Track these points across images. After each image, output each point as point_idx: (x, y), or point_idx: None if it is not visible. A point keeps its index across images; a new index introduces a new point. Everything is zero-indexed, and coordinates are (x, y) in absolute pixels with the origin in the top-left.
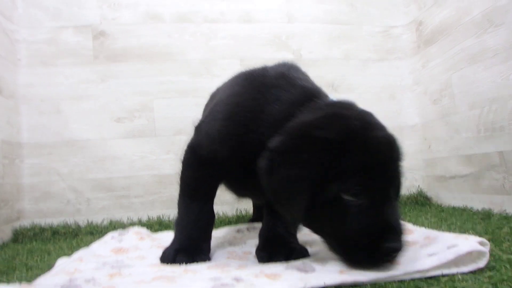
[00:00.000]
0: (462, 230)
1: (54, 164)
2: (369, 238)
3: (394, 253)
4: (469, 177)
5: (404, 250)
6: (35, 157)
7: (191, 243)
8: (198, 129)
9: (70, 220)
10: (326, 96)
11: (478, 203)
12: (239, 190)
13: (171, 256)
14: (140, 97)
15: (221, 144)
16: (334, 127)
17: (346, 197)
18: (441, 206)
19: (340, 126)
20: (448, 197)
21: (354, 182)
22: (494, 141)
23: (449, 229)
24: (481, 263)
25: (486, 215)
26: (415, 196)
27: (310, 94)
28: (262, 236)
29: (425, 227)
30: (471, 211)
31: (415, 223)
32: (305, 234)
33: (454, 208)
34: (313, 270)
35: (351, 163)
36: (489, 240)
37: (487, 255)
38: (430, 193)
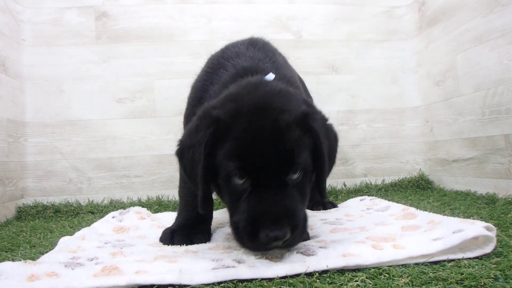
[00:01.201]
0: (466, 215)
1: (57, 143)
2: (250, 225)
3: (272, 241)
4: (472, 161)
5: (289, 238)
6: (38, 136)
7: (188, 223)
8: (183, 117)
9: (71, 199)
10: (263, 72)
11: (482, 187)
12: None
13: (168, 237)
14: (141, 78)
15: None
16: (226, 107)
17: (234, 179)
18: (443, 190)
19: (230, 107)
20: (451, 181)
21: (236, 164)
22: (500, 124)
23: (453, 214)
24: (488, 248)
25: (491, 200)
26: (417, 179)
27: (243, 73)
28: None
29: (428, 212)
30: (475, 195)
31: (418, 207)
32: None
33: (457, 192)
34: (314, 253)
35: (234, 145)
36: (495, 226)
37: (494, 241)
38: (432, 176)
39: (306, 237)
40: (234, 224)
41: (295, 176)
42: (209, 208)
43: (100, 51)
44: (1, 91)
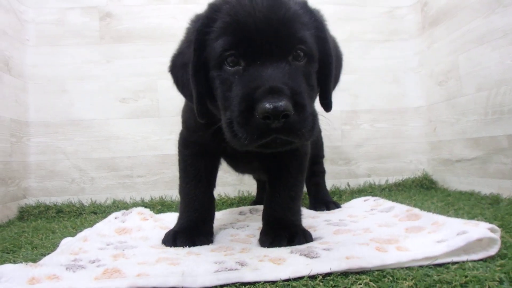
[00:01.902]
0: (470, 215)
1: (60, 143)
2: (242, 104)
3: (270, 117)
4: (476, 161)
5: (291, 114)
6: (41, 135)
7: (190, 225)
8: (182, 112)
9: (74, 199)
10: None
11: (485, 187)
12: (232, 163)
13: (171, 239)
14: (144, 78)
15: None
16: (208, 4)
17: (225, 66)
18: (447, 190)
19: (212, 3)
20: (454, 181)
21: (226, 41)
22: (502, 124)
23: (457, 214)
24: (492, 250)
25: (495, 200)
26: (420, 179)
27: None
28: (264, 220)
29: (432, 212)
30: (479, 195)
31: (421, 207)
32: (309, 217)
33: (461, 193)
34: (318, 255)
35: (222, 24)
36: (499, 227)
37: (499, 242)
38: (435, 176)
39: (309, 238)
40: (226, 119)
41: (299, 57)
42: (207, 121)
43: (103, 51)
44: (5, 91)
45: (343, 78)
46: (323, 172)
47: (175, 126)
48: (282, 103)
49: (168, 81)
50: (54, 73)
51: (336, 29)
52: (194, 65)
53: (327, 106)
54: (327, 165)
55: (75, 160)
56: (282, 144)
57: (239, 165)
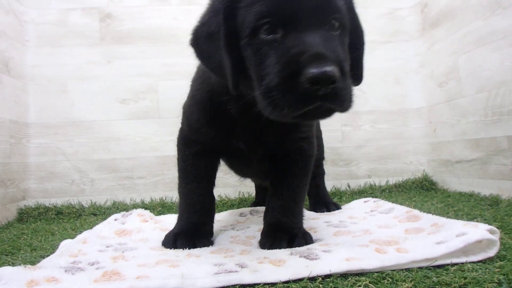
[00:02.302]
0: (470, 216)
1: (60, 144)
2: (286, 70)
3: (321, 79)
4: (476, 162)
5: (338, 78)
6: (41, 137)
7: (191, 227)
8: (183, 108)
9: (74, 200)
10: None
11: (485, 188)
12: (233, 164)
13: (171, 241)
14: (145, 79)
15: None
16: None
17: (261, 35)
18: (447, 191)
19: None
20: (454, 182)
21: (260, 14)
22: (502, 125)
23: (457, 215)
24: (491, 252)
25: (494, 202)
26: (420, 180)
27: None
28: (266, 221)
29: (432, 213)
30: (479, 196)
31: (421, 208)
32: (310, 219)
33: (460, 194)
34: (318, 257)
35: (252, 0)
36: (498, 228)
37: (498, 244)
38: (435, 177)
39: (309, 240)
40: (264, 88)
41: (334, 27)
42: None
43: (104, 52)
44: (4, 92)
45: None
46: (323, 173)
47: (176, 127)
48: (332, 68)
49: (169, 82)
50: (55, 73)
51: None
52: (225, 34)
53: (358, 77)
54: (328, 166)
55: (75, 161)
56: (324, 113)
57: (241, 166)
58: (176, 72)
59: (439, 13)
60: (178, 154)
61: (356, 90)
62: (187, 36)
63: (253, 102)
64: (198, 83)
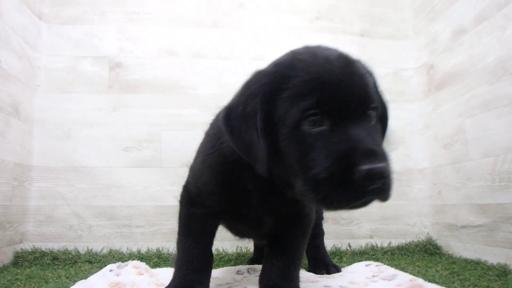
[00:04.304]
0: None
1: (61, 188)
2: (338, 165)
3: (374, 176)
4: (482, 228)
5: (389, 174)
6: (43, 180)
7: (186, 284)
8: (190, 169)
9: (70, 246)
10: None
11: (492, 256)
12: (236, 227)
13: None
14: (149, 128)
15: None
16: (274, 62)
17: (305, 126)
18: (452, 256)
19: (280, 59)
20: (460, 248)
21: (307, 106)
22: (510, 192)
23: (463, 285)
24: None
25: (502, 272)
26: (424, 243)
27: None
28: (262, 284)
29: (436, 282)
30: (485, 265)
31: (425, 275)
32: (308, 281)
33: (466, 261)
34: None
35: (298, 88)
36: None
37: None
38: (440, 241)
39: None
40: (311, 180)
41: (371, 117)
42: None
43: (111, 100)
44: (11, 135)
45: None
46: (322, 234)
47: (177, 178)
48: (384, 165)
49: (173, 132)
50: (61, 118)
51: None
52: (263, 119)
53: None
54: (329, 224)
55: (75, 207)
56: (367, 203)
57: (244, 229)
58: (180, 122)
59: (445, 75)
60: (181, 210)
61: None
62: (194, 88)
63: (279, 182)
64: (209, 147)
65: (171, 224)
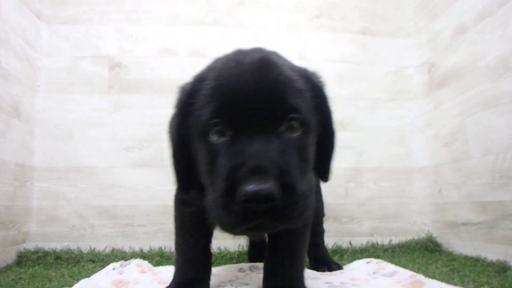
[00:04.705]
0: (477, 284)
1: (63, 188)
2: (225, 184)
3: (254, 199)
4: (482, 225)
5: (278, 197)
6: (45, 180)
7: (187, 283)
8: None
9: (73, 246)
10: None
11: (492, 253)
12: None
13: None
14: (150, 128)
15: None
16: (194, 75)
17: (212, 137)
18: (452, 254)
19: (197, 73)
20: (459, 245)
21: (210, 110)
22: (510, 189)
23: (462, 281)
24: None
25: (502, 268)
26: (425, 241)
27: None
28: (265, 283)
29: (436, 278)
30: (485, 262)
31: (426, 272)
32: (310, 279)
33: (466, 258)
34: None
35: (204, 98)
36: None
37: None
38: (440, 239)
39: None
40: (210, 199)
41: (293, 128)
42: (190, 192)
43: (111, 100)
44: (12, 135)
45: (349, 135)
46: (322, 232)
47: None
48: (266, 186)
49: None
50: (61, 119)
51: (344, 87)
52: (181, 135)
53: (324, 177)
54: (330, 222)
55: (77, 207)
56: (269, 228)
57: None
58: None
59: (446, 73)
60: (175, 211)
61: (360, 147)
62: None
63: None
64: None
65: (172, 223)
